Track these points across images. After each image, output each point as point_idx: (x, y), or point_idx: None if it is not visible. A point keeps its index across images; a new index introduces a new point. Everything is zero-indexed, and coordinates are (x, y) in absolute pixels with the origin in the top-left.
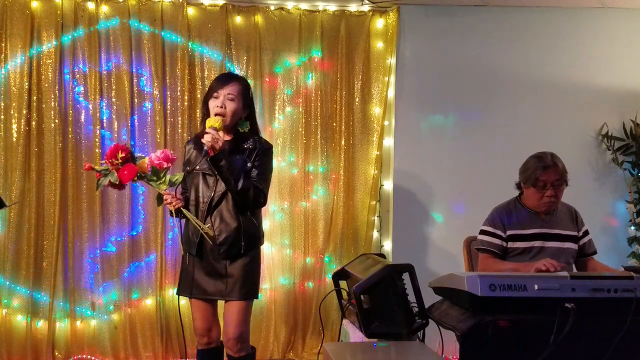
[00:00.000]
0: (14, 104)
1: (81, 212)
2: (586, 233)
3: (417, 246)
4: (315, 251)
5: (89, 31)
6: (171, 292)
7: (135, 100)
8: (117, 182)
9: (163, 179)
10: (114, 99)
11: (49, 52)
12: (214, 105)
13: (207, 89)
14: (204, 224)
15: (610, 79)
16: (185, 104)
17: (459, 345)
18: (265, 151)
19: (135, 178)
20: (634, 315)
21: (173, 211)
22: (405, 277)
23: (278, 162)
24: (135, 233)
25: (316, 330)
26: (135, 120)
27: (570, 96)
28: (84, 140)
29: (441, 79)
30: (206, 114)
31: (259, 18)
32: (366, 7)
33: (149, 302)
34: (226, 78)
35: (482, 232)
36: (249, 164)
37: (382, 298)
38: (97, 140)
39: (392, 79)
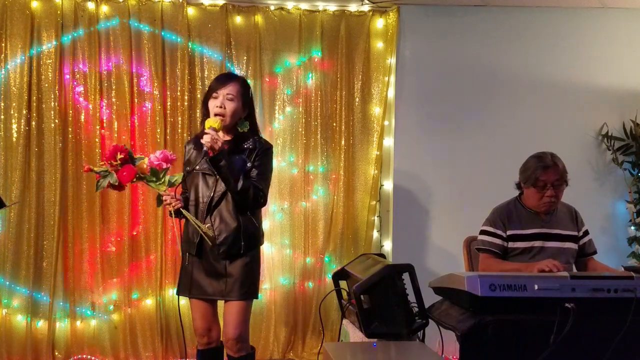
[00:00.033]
0: (14, 104)
1: (81, 212)
2: (586, 233)
3: (417, 246)
4: (315, 251)
5: (89, 31)
6: (171, 292)
7: (135, 100)
8: (117, 184)
9: (162, 180)
10: (114, 99)
11: (49, 52)
12: (213, 105)
13: (207, 89)
14: (204, 224)
15: (610, 79)
16: (185, 104)
17: (459, 345)
18: (265, 151)
19: (135, 179)
20: (634, 315)
21: (172, 212)
22: (405, 277)
23: (278, 162)
24: (135, 233)
25: (316, 330)
26: (135, 120)
27: (570, 96)
28: (84, 140)
29: (441, 79)
30: (206, 114)
31: (259, 18)
32: (366, 7)
33: (149, 302)
34: (225, 78)
35: (483, 232)
36: (248, 164)
37: (382, 298)
38: (97, 140)
39: (392, 79)
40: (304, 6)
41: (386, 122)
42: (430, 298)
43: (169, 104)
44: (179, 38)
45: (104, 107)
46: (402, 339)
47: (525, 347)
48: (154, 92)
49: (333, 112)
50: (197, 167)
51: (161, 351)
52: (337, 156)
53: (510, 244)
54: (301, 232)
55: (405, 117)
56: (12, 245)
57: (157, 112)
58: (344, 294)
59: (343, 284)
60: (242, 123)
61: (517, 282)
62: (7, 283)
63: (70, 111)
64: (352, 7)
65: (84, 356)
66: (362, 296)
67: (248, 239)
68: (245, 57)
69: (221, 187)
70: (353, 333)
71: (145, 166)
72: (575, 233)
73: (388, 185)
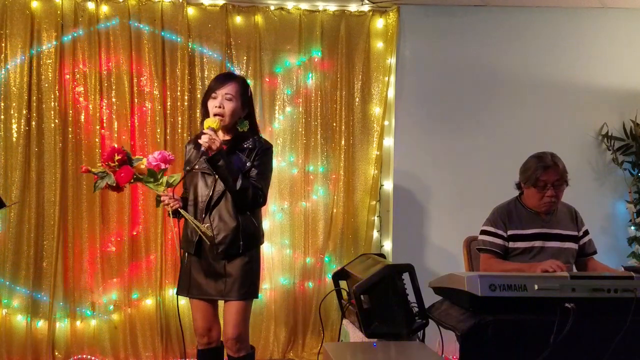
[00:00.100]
0: (14, 104)
1: (81, 212)
2: (586, 233)
3: (417, 246)
4: (315, 251)
5: (89, 31)
6: (171, 292)
7: (135, 100)
8: (114, 185)
9: (160, 181)
10: (114, 99)
11: (49, 52)
12: (212, 105)
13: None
14: (203, 223)
15: (610, 79)
16: (185, 104)
17: (459, 345)
18: (264, 151)
19: (132, 180)
20: (634, 315)
21: (171, 212)
22: (405, 277)
23: (278, 162)
24: (135, 233)
25: (316, 330)
26: (135, 120)
27: (570, 96)
28: (84, 141)
29: (441, 79)
30: (205, 114)
31: (259, 18)
32: (366, 7)
33: (149, 302)
34: (224, 78)
35: (483, 232)
36: (248, 164)
37: (382, 298)
38: (97, 140)
39: (392, 79)
40: (304, 6)
41: (386, 122)
42: (430, 298)
43: (169, 104)
44: (179, 38)
45: (104, 107)
46: (402, 339)
47: (525, 347)
48: (154, 92)
49: (333, 112)
50: (197, 167)
51: (161, 351)
52: (337, 156)
53: (511, 244)
54: (301, 232)
55: (405, 117)
56: (12, 245)
57: (157, 112)
58: (344, 294)
59: (343, 284)
60: (242, 123)
61: (517, 282)
62: (7, 283)
63: (70, 111)
64: (352, 7)
65: (84, 356)
66: (362, 296)
67: (247, 239)
68: (245, 57)
69: (220, 186)
70: (353, 333)
71: (143, 167)
72: (575, 233)
73: (388, 185)
